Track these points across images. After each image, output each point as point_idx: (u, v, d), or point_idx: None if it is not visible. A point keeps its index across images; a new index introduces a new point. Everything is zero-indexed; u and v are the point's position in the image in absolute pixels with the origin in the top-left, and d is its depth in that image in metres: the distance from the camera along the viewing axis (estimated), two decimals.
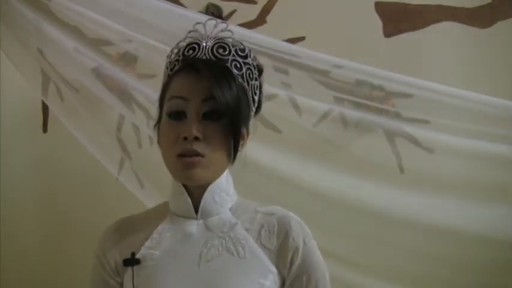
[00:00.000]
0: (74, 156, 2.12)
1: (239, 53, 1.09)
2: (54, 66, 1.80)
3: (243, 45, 1.11)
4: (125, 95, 1.76)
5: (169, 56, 1.13)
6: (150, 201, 1.67)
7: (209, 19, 1.12)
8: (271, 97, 1.70)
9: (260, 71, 1.14)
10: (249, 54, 1.11)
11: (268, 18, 2.06)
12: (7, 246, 2.17)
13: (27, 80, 1.89)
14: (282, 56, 1.68)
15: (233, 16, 1.97)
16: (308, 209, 1.64)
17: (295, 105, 1.72)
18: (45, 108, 2.17)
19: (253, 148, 1.60)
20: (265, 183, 1.69)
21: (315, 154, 1.76)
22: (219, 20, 1.13)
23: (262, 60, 1.63)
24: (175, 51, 1.12)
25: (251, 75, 1.10)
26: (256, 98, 1.13)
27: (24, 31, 1.77)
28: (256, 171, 1.67)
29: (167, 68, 1.13)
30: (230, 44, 1.09)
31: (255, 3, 2.08)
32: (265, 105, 1.67)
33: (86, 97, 1.81)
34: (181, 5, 1.88)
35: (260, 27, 2.01)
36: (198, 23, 1.11)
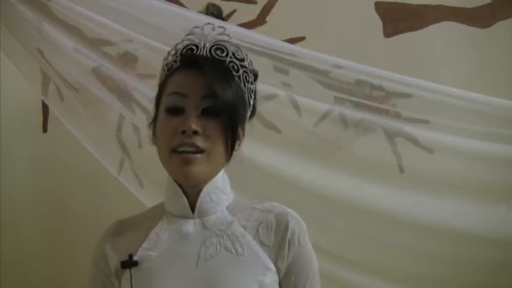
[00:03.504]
0: (74, 156, 2.12)
1: (236, 55, 1.10)
2: (54, 66, 1.80)
3: (239, 49, 1.11)
4: (125, 95, 1.76)
5: (166, 58, 1.13)
6: (150, 201, 1.66)
7: (206, 23, 1.12)
8: (271, 97, 1.70)
9: (255, 76, 1.15)
10: (245, 58, 1.11)
11: (268, 18, 2.06)
12: (7, 245, 2.17)
13: (27, 80, 1.89)
14: (282, 56, 1.68)
15: (233, 16, 1.97)
16: (308, 208, 1.64)
17: (295, 105, 1.72)
18: (45, 108, 2.17)
19: (253, 148, 1.61)
20: (265, 183, 1.69)
21: (315, 154, 1.76)
22: (216, 24, 1.13)
23: (262, 60, 1.65)
24: (173, 52, 1.12)
25: (247, 78, 1.11)
26: (251, 101, 1.13)
27: (24, 31, 1.77)
28: (256, 171, 1.67)
29: (164, 69, 1.13)
30: (228, 46, 1.09)
31: (255, 3, 2.08)
32: (265, 105, 1.69)
33: (86, 97, 1.81)
34: (181, 5, 1.88)
35: (260, 27, 2.01)
36: (196, 27, 1.11)
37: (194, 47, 1.09)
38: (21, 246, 2.21)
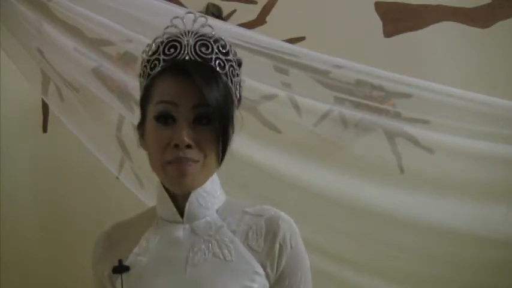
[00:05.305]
0: (74, 156, 2.13)
1: (221, 50, 1.05)
2: (54, 66, 1.80)
3: (223, 40, 1.07)
4: (124, 95, 1.76)
5: (146, 52, 1.08)
6: (150, 201, 1.66)
7: (187, 12, 1.08)
8: (271, 97, 1.70)
9: (240, 64, 1.10)
10: (230, 50, 1.07)
11: (268, 18, 2.06)
12: (7, 245, 2.17)
13: (27, 80, 1.89)
14: (282, 56, 1.68)
15: (233, 16, 1.97)
16: (307, 208, 1.65)
17: (295, 105, 1.72)
18: (45, 108, 2.17)
19: (253, 148, 1.61)
20: (265, 183, 1.69)
21: (315, 154, 1.76)
22: (197, 14, 1.09)
23: (262, 60, 1.65)
24: (154, 48, 1.07)
25: (233, 72, 1.06)
26: (238, 93, 1.09)
27: (24, 31, 1.77)
28: (256, 171, 1.67)
29: (146, 66, 1.07)
30: (212, 41, 1.05)
31: (255, 3, 2.08)
32: (265, 105, 1.69)
33: (86, 97, 1.81)
34: (181, 5, 1.88)
35: (260, 27, 2.01)
36: (176, 17, 1.07)
37: (177, 44, 1.04)
38: (21, 246, 2.21)
